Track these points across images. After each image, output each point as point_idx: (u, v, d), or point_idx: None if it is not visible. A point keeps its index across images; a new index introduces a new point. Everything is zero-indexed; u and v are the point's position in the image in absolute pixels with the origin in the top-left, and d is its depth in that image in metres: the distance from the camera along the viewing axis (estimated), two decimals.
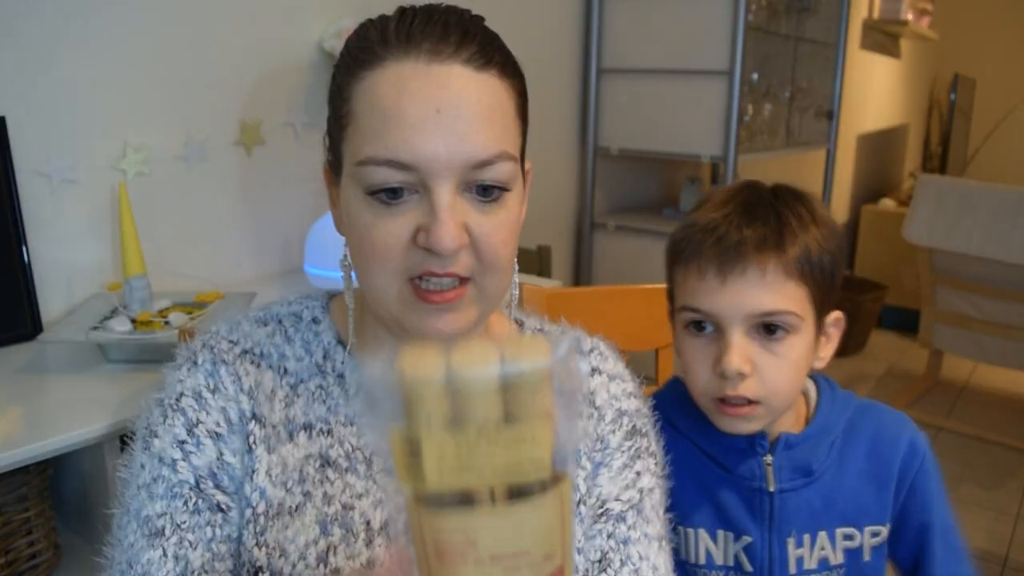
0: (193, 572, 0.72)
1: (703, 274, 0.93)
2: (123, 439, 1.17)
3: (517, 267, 0.82)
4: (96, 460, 1.21)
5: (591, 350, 0.92)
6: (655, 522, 0.86)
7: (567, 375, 0.45)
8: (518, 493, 0.45)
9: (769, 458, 0.98)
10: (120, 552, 0.75)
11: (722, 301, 0.92)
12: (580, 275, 2.83)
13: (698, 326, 0.95)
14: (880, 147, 5.65)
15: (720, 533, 1.00)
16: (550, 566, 0.46)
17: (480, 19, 0.76)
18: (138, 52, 1.58)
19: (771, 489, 0.98)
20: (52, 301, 1.51)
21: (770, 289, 0.91)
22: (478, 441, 0.43)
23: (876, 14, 4.82)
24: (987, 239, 3.22)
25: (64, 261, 1.53)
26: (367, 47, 0.72)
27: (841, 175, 4.74)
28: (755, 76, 2.58)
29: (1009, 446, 3.30)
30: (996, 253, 3.20)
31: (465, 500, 0.44)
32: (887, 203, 5.29)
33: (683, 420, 1.02)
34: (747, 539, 0.99)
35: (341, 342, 0.83)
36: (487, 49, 0.72)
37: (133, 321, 1.36)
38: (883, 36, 5.18)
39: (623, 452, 0.86)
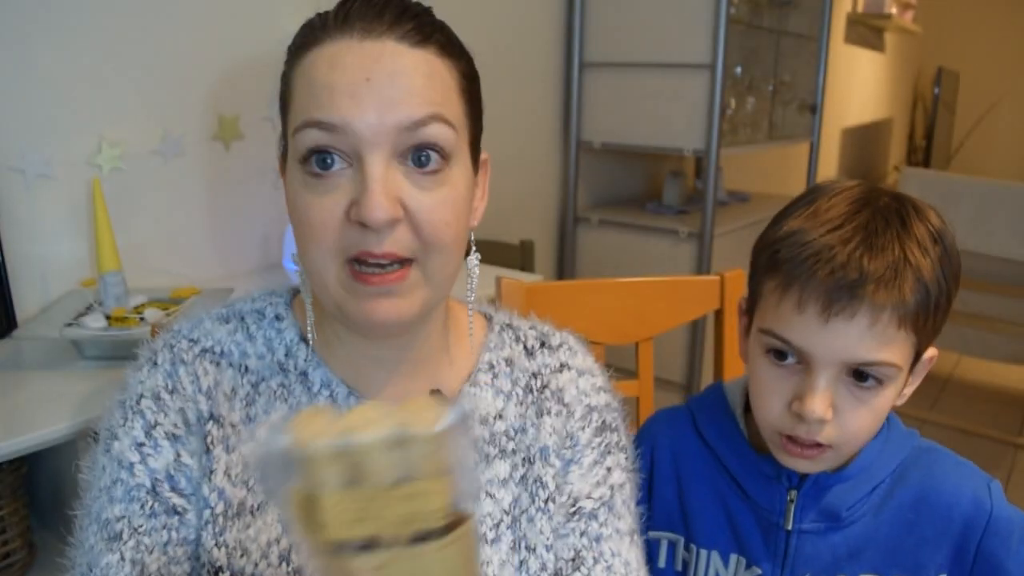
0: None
1: (803, 306, 0.79)
2: (96, 436, 1.16)
3: (479, 256, 0.82)
4: (71, 457, 1.20)
5: (559, 345, 0.91)
6: (626, 517, 0.86)
7: (461, 436, 0.47)
8: (421, 536, 0.47)
9: (793, 494, 0.89)
10: (82, 554, 0.74)
11: (819, 343, 0.79)
12: (563, 270, 2.82)
13: (779, 354, 0.83)
14: (864, 141, 5.67)
15: (733, 557, 0.93)
16: None
17: (427, 7, 0.75)
18: (114, 45, 1.57)
19: (788, 527, 0.89)
20: (27, 298, 1.50)
21: (877, 339, 0.78)
22: (374, 496, 0.45)
23: (860, 8, 4.84)
24: (970, 232, 3.24)
25: (39, 257, 1.51)
26: (307, 33, 0.72)
27: (825, 169, 4.76)
28: (738, 70, 2.58)
29: (992, 438, 3.32)
30: (978, 246, 3.22)
31: (368, 545, 0.46)
32: None
33: (713, 433, 0.96)
34: (758, 571, 0.92)
35: (304, 339, 0.82)
36: (425, 28, 0.72)
37: (108, 317, 1.34)
38: (867, 30, 5.20)
39: (593, 448, 0.86)
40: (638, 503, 0.90)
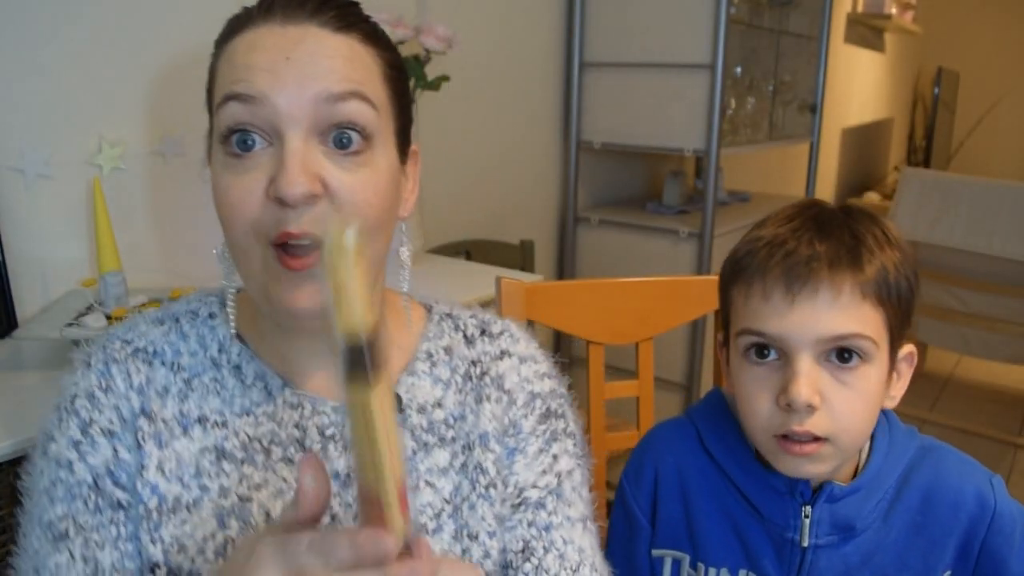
0: (104, 572, 0.72)
1: (768, 294, 0.83)
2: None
3: (410, 248, 0.82)
4: None
5: (500, 332, 0.91)
6: (577, 504, 0.86)
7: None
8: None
9: (808, 509, 0.89)
10: (26, 560, 0.74)
11: (790, 324, 0.81)
12: (564, 270, 2.82)
13: (760, 352, 0.85)
14: (865, 141, 5.67)
15: (743, 573, 0.93)
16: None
17: (354, 2, 0.77)
18: (114, 46, 1.57)
19: (804, 544, 0.89)
20: (27, 298, 1.50)
21: (844, 311, 0.81)
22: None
23: (860, 8, 4.84)
24: (970, 232, 3.24)
25: (39, 257, 1.51)
26: (232, 24, 0.75)
27: (825, 169, 4.76)
28: (738, 70, 2.58)
29: (993, 438, 3.32)
30: (979, 246, 3.22)
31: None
32: (871, 197, 5.33)
33: (719, 448, 0.96)
34: None
35: (237, 334, 0.82)
36: (347, 16, 0.73)
37: (108, 317, 1.34)
38: (867, 30, 5.20)
39: (538, 436, 0.86)
40: (589, 487, 0.90)
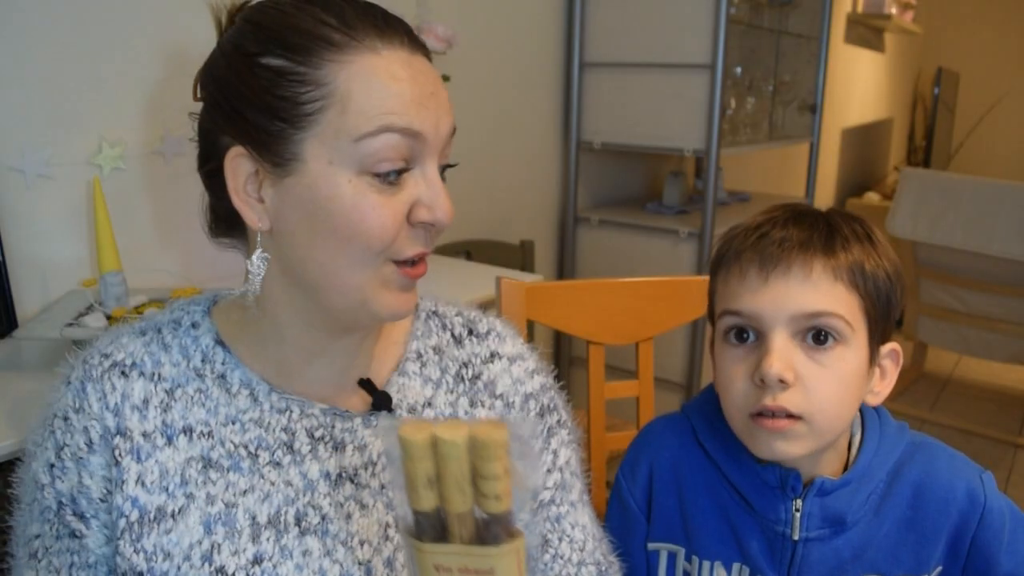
0: None
1: (744, 274, 0.87)
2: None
3: None
4: None
5: (487, 332, 0.93)
6: (576, 486, 0.91)
7: (524, 446, 0.57)
8: (484, 540, 0.58)
9: (799, 503, 0.90)
10: (14, 565, 0.80)
11: (763, 301, 0.84)
12: (564, 270, 2.82)
13: (739, 335, 0.88)
14: (865, 141, 5.68)
15: (736, 566, 0.94)
16: None
17: None
18: (114, 45, 1.57)
19: (795, 537, 0.90)
20: (27, 298, 1.50)
21: (817, 289, 0.83)
22: (454, 487, 0.56)
23: (860, 8, 4.84)
24: (970, 232, 3.24)
25: (40, 257, 1.51)
26: (333, 29, 0.71)
27: (825, 169, 4.76)
28: (738, 70, 2.58)
29: (993, 438, 3.32)
30: (979, 246, 3.22)
31: (442, 537, 0.58)
32: (871, 197, 5.33)
33: (712, 442, 0.97)
34: None
35: (220, 343, 0.82)
36: (420, 42, 0.79)
37: (108, 317, 1.34)
38: (867, 30, 5.20)
39: (537, 437, 0.89)
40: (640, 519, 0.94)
